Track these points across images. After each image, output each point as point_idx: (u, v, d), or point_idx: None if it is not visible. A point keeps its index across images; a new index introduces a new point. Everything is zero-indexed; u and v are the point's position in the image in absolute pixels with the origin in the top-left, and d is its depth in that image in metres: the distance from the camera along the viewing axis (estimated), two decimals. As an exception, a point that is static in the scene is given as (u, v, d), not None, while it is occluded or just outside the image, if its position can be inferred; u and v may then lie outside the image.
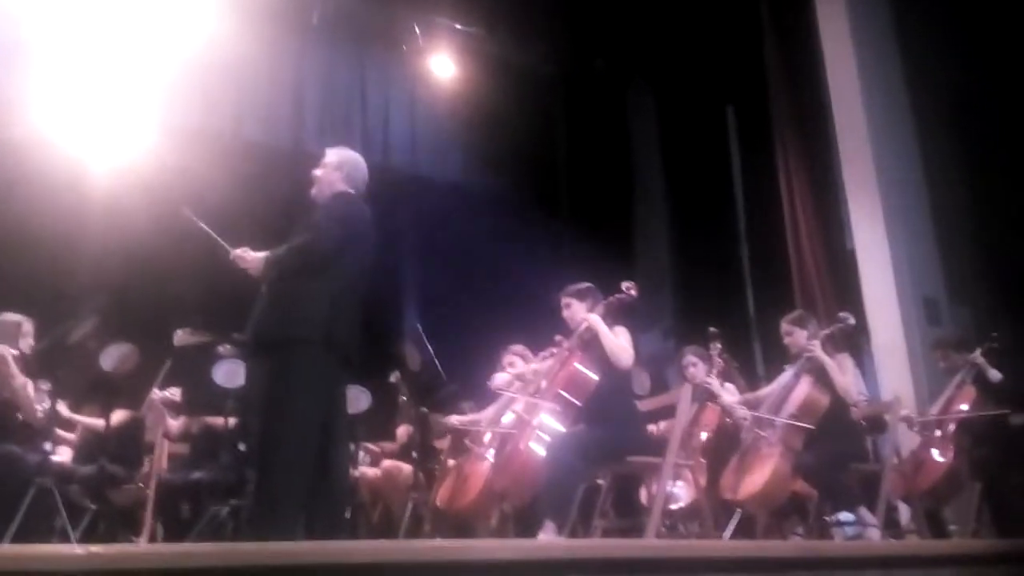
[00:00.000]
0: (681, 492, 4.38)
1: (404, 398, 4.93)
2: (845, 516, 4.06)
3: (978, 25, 5.59)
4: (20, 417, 3.89)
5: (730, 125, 7.47)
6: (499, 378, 4.28)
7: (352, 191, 3.38)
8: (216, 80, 6.47)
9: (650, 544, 3.10)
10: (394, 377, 5.01)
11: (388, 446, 5.05)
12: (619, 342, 3.70)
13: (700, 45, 6.99)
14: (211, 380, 4.13)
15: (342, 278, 3.16)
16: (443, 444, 4.86)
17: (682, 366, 4.71)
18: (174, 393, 4.46)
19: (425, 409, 4.68)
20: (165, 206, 5.74)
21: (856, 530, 3.88)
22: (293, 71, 7.02)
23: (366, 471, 4.91)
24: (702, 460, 4.29)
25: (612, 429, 3.66)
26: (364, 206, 3.35)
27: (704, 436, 4.48)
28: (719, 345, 4.63)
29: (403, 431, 4.94)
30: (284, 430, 2.97)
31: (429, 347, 4.36)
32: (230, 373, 4.17)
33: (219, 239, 3.32)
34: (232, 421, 4.19)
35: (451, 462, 4.55)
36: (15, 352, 3.87)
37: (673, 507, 4.31)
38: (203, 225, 3.38)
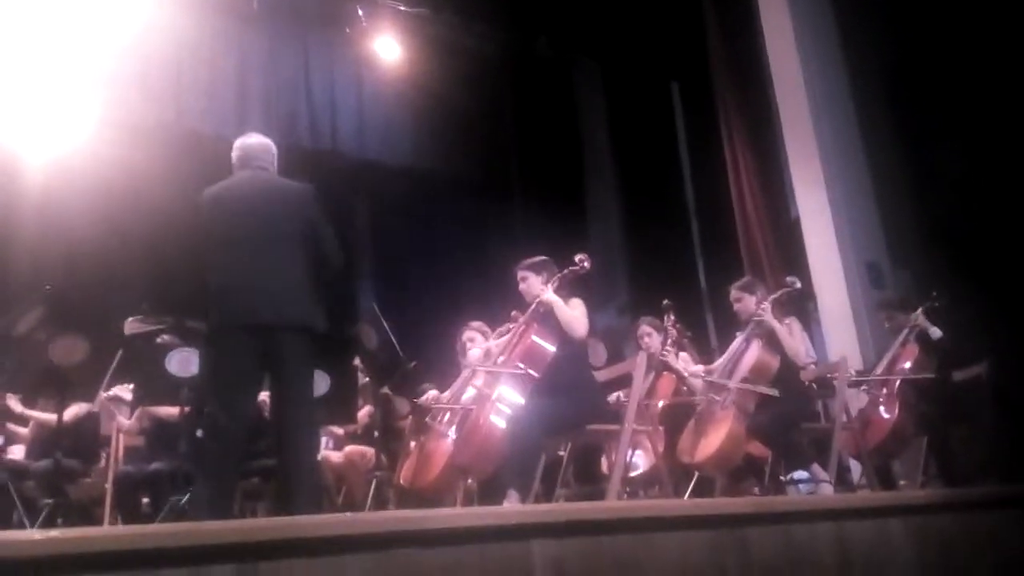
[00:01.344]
0: (640, 460, 4.47)
1: (365, 379, 4.91)
2: (799, 474, 4.20)
3: (912, -6, 5.76)
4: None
5: (675, 100, 7.57)
6: (472, 355, 4.31)
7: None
8: (156, 69, 6.33)
9: (612, 505, 3.17)
10: (354, 359, 4.99)
11: (350, 429, 5.04)
12: (573, 313, 3.75)
13: (643, 21, 7.06)
14: (164, 369, 4.06)
15: None
16: (405, 423, 4.87)
17: (637, 336, 4.79)
18: (124, 390, 4.39)
19: (386, 389, 4.68)
20: (107, 198, 5.67)
21: (810, 487, 4.01)
22: (235, 58, 6.89)
23: (329, 455, 4.90)
24: (659, 428, 4.37)
25: (571, 399, 3.71)
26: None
27: (660, 404, 4.58)
28: (672, 316, 4.72)
29: (364, 413, 4.93)
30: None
31: (386, 327, 4.35)
32: (183, 362, 4.11)
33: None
34: (187, 410, 4.15)
35: (413, 442, 4.56)
36: None
37: (633, 474, 4.40)
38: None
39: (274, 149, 3.60)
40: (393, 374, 4.61)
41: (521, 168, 7.88)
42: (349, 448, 4.90)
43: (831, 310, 5.75)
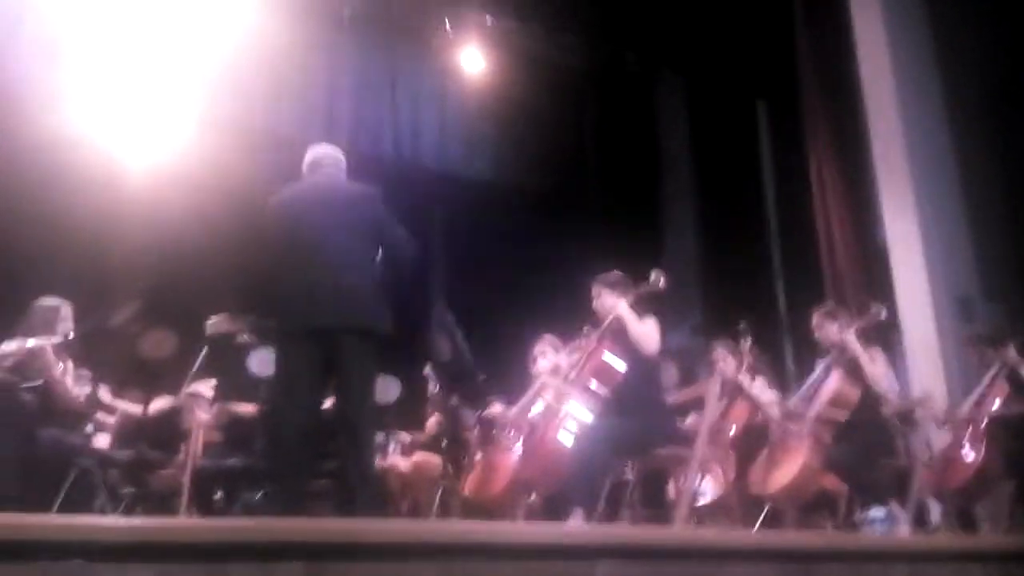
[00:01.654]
0: (709, 487, 4.37)
1: (435, 389, 4.97)
2: (875, 512, 4.04)
3: (1013, 14, 5.51)
4: (61, 402, 3.99)
5: (761, 119, 7.42)
6: (542, 365, 4.32)
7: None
8: (250, 75, 6.55)
9: (680, 532, 3.12)
10: (427, 368, 5.06)
11: (418, 436, 5.10)
12: (645, 329, 3.71)
13: (731, 38, 6.95)
14: (245, 368, 4.20)
15: None
16: (471, 434, 4.90)
17: (712, 360, 4.70)
18: (208, 386, 4.54)
19: (455, 400, 4.73)
20: (201, 196, 5.91)
21: (885, 526, 3.86)
22: (326, 66, 7.09)
23: (396, 461, 4.97)
24: (731, 454, 4.28)
25: (640, 420, 3.68)
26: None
27: (733, 430, 4.47)
28: (749, 340, 4.61)
29: (432, 422, 4.99)
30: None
31: (459, 338, 4.39)
32: (263, 361, 4.24)
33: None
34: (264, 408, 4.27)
35: (479, 453, 4.59)
36: (55, 340, 3.95)
37: (701, 502, 4.31)
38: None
39: (342, 156, 3.71)
40: (463, 385, 4.66)
41: (600, 183, 7.84)
42: (417, 456, 4.96)
43: (917, 342, 5.52)
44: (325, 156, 3.65)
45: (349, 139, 7.08)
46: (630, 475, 4.25)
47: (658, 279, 3.85)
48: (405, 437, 5.14)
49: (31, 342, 3.83)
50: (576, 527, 3.17)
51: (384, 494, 4.66)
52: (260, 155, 6.24)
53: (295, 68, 6.86)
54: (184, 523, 3.01)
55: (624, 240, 6.94)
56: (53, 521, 2.05)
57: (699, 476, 4.06)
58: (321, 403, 3.48)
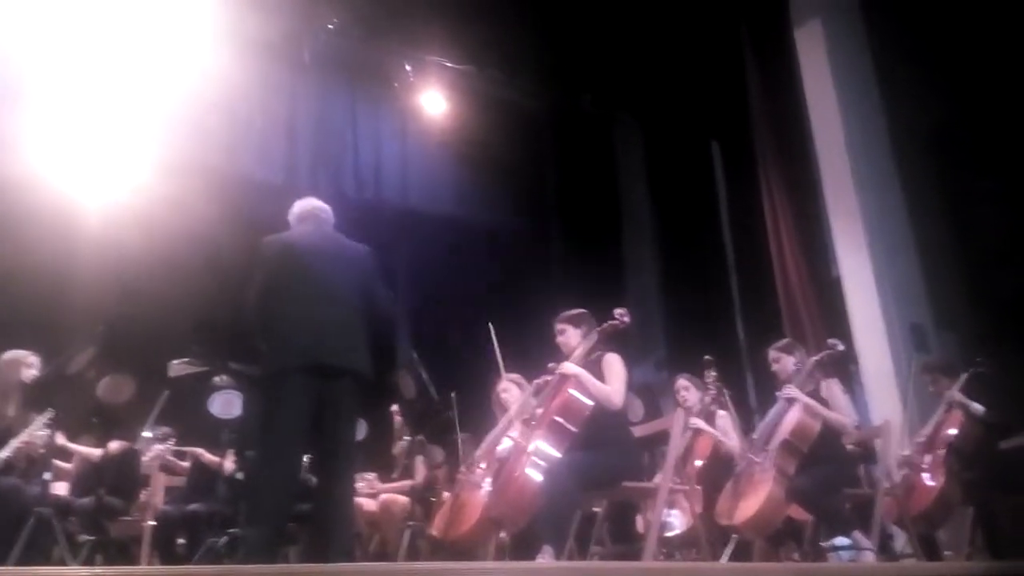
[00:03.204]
0: (676, 520, 4.39)
1: (401, 427, 4.94)
2: (840, 540, 4.10)
3: (954, 56, 5.78)
4: (19, 451, 3.88)
5: (715, 158, 7.62)
6: (506, 401, 4.33)
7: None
8: (209, 116, 6.54)
9: (648, 566, 3.13)
10: (393, 407, 5.04)
11: (385, 476, 5.04)
12: (605, 387, 3.73)
13: (683, 81, 7.16)
14: (207, 411, 4.14)
15: None
16: (439, 472, 4.87)
17: (675, 391, 4.76)
18: (166, 433, 4.47)
19: (422, 437, 4.70)
20: (159, 238, 5.85)
21: (852, 554, 3.91)
22: (286, 106, 7.11)
23: (363, 502, 4.91)
24: (697, 487, 4.31)
25: (607, 455, 3.69)
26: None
27: (698, 463, 4.52)
28: (713, 373, 4.69)
29: (399, 460, 4.95)
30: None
31: (424, 375, 4.39)
32: (226, 404, 4.19)
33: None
34: (229, 452, 4.21)
35: (446, 492, 4.56)
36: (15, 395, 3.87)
37: (669, 534, 4.33)
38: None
39: (330, 210, 3.79)
40: (429, 423, 4.64)
41: (561, 221, 7.96)
42: (384, 496, 4.91)
43: (874, 372, 5.66)
44: (314, 208, 3.74)
45: (309, 178, 7.11)
46: (598, 510, 4.25)
47: (623, 316, 3.90)
48: (372, 477, 5.09)
49: None
50: (547, 564, 3.16)
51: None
52: (220, 196, 6.21)
53: (255, 109, 6.87)
54: (146, 571, 2.94)
55: (586, 277, 7.03)
56: (10, 573, 1.99)
57: (666, 509, 4.08)
58: (304, 445, 3.47)
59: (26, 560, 3.52)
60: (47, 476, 3.87)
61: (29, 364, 4.03)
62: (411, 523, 4.46)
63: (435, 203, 7.76)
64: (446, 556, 4.22)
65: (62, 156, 5.99)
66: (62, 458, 4.39)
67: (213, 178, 6.49)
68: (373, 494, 5.06)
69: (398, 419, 4.94)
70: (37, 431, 3.89)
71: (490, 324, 4.43)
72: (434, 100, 7.32)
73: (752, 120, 6.81)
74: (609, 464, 3.68)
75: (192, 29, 6.20)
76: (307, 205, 3.75)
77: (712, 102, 7.21)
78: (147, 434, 4.40)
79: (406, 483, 4.93)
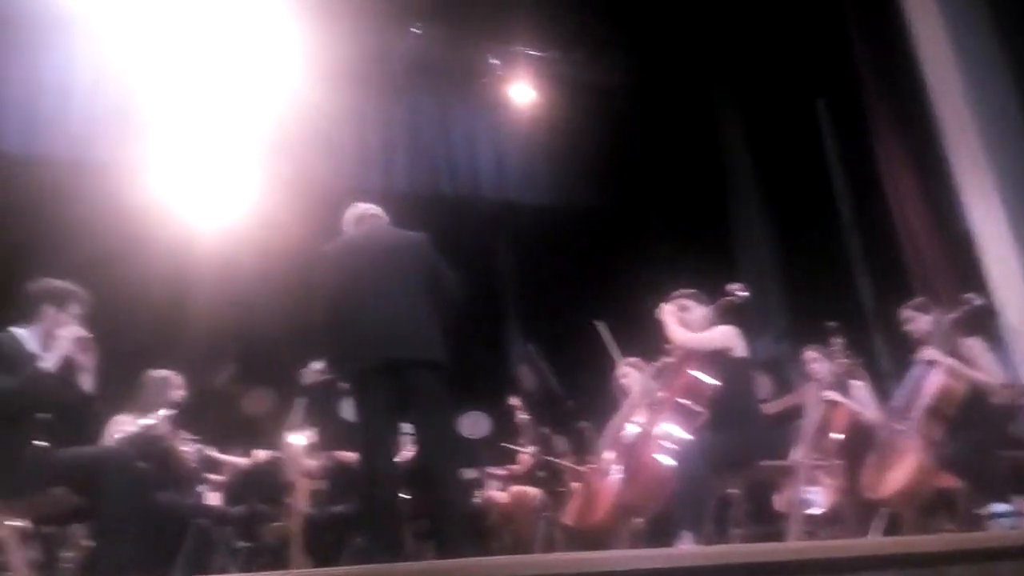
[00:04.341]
0: (818, 497, 4.25)
1: (523, 419, 4.98)
2: (999, 507, 3.86)
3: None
4: (175, 467, 4.14)
5: (822, 118, 7.28)
6: (627, 386, 4.31)
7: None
8: (307, 133, 6.73)
9: (795, 546, 3.04)
10: (512, 400, 5.09)
11: (513, 469, 5.10)
12: (709, 333, 3.71)
13: (780, 41, 6.87)
14: (338, 416, 4.30)
15: None
16: (567, 462, 4.89)
17: (804, 364, 4.60)
18: (308, 434, 4.66)
19: (545, 429, 4.73)
20: (271, 257, 6.11)
21: (1013, 521, 3.68)
22: (380, 115, 7.27)
23: (494, 495, 4.99)
24: (837, 462, 4.16)
25: (739, 434, 3.62)
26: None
27: (836, 437, 4.34)
28: (839, 341, 4.50)
29: (525, 453, 4.99)
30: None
31: (543, 366, 4.41)
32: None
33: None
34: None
35: (576, 481, 4.57)
36: (166, 410, 4.13)
37: (811, 512, 4.19)
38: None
39: (381, 210, 3.89)
40: (551, 413, 4.66)
41: (662, 200, 7.79)
42: (515, 488, 4.96)
43: (1018, 326, 5.28)
44: (367, 209, 3.85)
45: (407, 183, 7.26)
46: (734, 491, 4.16)
47: (738, 290, 3.82)
48: (500, 471, 5.15)
49: (147, 417, 4.01)
50: (688, 549, 3.12)
51: (485, 529, 4.68)
52: (324, 208, 6.41)
53: (350, 122, 7.06)
54: (298, 574, 3.09)
55: (695, 254, 6.86)
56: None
57: (806, 486, 3.95)
58: (397, 441, 3.56)
59: (189, 571, 3.76)
60: (201, 489, 4.12)
61: (177, 384, 4.29)
62: (544, 514, 4.49)
63: (532, 194, 7.77)
64: (580, 545, 4.24)
65: (179, 182, 6.35)
66: (213, 470, 4.66)
67: (315, 192, 6.72)
68: (504, 488, 5.13)
69: (520, 413, 4.98)
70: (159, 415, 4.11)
71: (595, 323, 4.38)
72: (523, 91, 7.34)
73: (858, 71, 6.45)
74: (742, 443, 3.61)
75: (286, 51, 6.44)
76: (358, 209, 3.86)
77: (813, 58, 6.88)
78: (291, 440, 4.60)
79: (523, 466, 4.97)
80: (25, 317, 3.22)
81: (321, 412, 4.30)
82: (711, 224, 7.66)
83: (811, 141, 7.20)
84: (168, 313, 5.94)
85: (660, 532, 3.91)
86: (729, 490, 4.12)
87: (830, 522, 4.20)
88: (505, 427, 4.77)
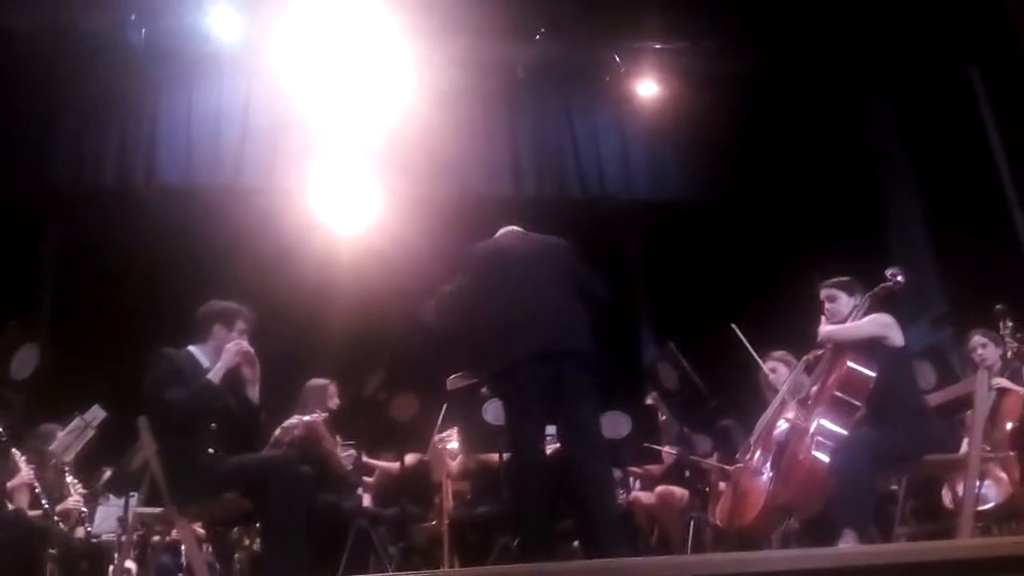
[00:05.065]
0: (991, 491, 3.94)
1: (664, 418, 4.89)
2: None
3: None
4: (334, 470, 4.38)
5: (976, 85, 6.73)
6: (775, 381, 4.16)
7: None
8: (439, 143, 6.91)
9: (970, 544, 2.82)
10: (652, 398, 5.02)
11: (656, 469, 5.02)
12: (866, 325, 3.53)
13: (926, 7, 6.41)
14: (482, 419, 4.38)
15: None
16: (712, 462, 4.77)
17: (969, 350, 4.27)
18: (451, 436, 4.78)
19: (687, 428, 4.62)
20: (408, 267, 6.34)
21: None
22: (505, 121, 7.36)
23: (639, 495, 4.93)
24: (1011, 453, 3.84)
25: (902, 428, 3.41)
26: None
27: (1010, 426, 4.01)
28: (1010, 323, 4.15)
29: (668, 453, 4.90)
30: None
31: (685, 364, 4.31)
32: (498, 410, 4.40)
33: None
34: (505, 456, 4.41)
35: (723, 480, 4.45)
36: (324, 414, 4.40)
37: (983, 507, 3.88)
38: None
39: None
40: (694, 412, 4.54)
41: (801, 187, 7.42)
42: (660, 488, 4.89)
43: None
44: (511, 229, 3.85)
45: (534, 186, 7.30)
46: (895, 488, 3.92)
47: (896, 276, 3.60)
48: (643, 471, 5.09)
49: (306, 418, 4.28)
50: (853, 548, 2.96)
51: (632, 528, 4.63)
52: (453, 216, 6.57)
53: (478, 130, 7.19)
54: (448, 573, 3.16)
55: (842, 241, 6.52)
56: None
57: (978, 480, 3.66)
58: (545, 438, 3.56)
59: (351, 570, 3.94)
60: (360, 491, 4.33)
61: (332, 393, 4.55)
62: (693, 514, 4.40)
63: (661, 191, 7.63)
64: (731, 546, 4.11)
65: (323, 201, 6.70)
66: (366, 474, 4.87)
67: (447, 203, 6.89)
68: (646, 487, 5.06)
69: (661, 412, 4.89)
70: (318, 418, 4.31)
71: (734, 326, 4.25)
72: (648, 87, 7.25)
73: (1016, 30, 5.92)
74: (906, 438, 3.40)
75: (411, 63, 6.65)
76: (503, 230, 3.86)
77: (962, 22, 6.38)
78: (437, 443, 4.74)
79: (666, 466, 4.89)
80: (198, 335, 3.50)
81: (465, 416, 4.40)
82: (858, 209, 7.24)
83: (965, 111, 6.68)
84: (314, 326, 6.29)
85: (817, 532, 3.74)
86: (891, 487, 3.89)
87: (1005, 517, 3.89)
88: (645, 427, 4.69)
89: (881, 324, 3.55)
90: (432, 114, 6.73)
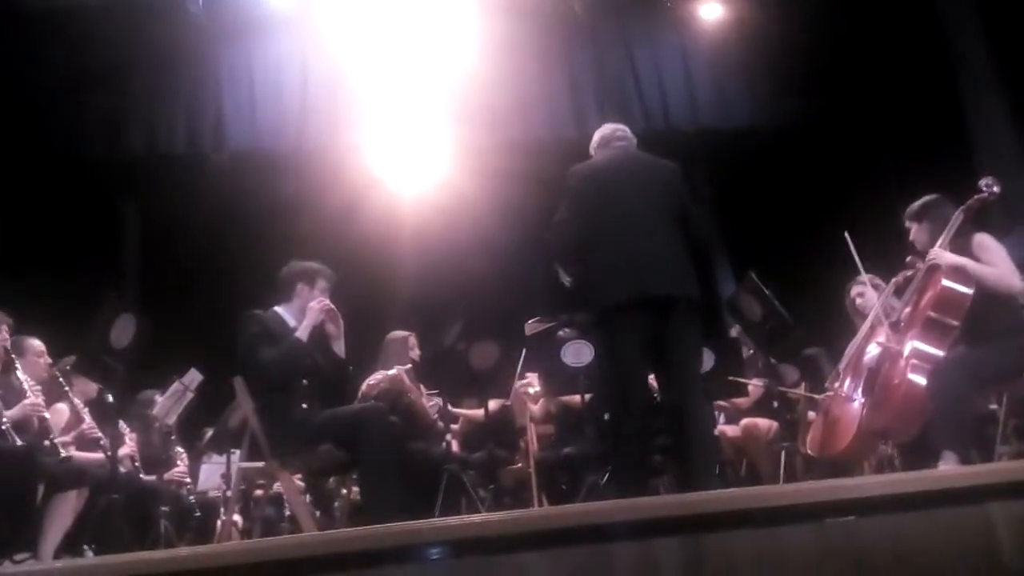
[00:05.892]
0: (1099, 407, 3.76)
1: (749, 351, 4.82)
2: None
3: None
4: (421, 419, 4.48)
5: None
6: (862, 305, 4.04)
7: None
8: (496, 92, 6.78)
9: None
10: (735, 331, 4.94)
11: (741, 402, 4.98)
12: (994, 270, 3.29)
13: None
14: (561, 362, 4.40)
15: None
16: (800, 391, 4.69)
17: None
18: (532, 380, 4.83)
19: (773, 359, 4.53)
20: (478, 217, 6.32)
21: None
22: (564, 61, 7.19)
23: (724, 429, 4.90)
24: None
25: (1001, 345, 3.28)
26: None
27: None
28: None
29: (754, 386, 4.84)
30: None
31: (768, 293, 4.19)
32: (577, 352, 4.42)
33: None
34: (587, 397, 4.44)
35: (812, 410, 4.38)
36: (407, 366, 4.50)
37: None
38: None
39: (629, 131, 3.64)
40: (778, 342, 4.45)
41: (878, 104, 7.06)
42: (745, 421, 4.85)
43: None
44: (615, 130, 3.60)
45: (597, 123, 7.06)
46: (995, 407, 3.78)
47: (991, 186, 3.40)
48: (730, 404, 5.05)
49: (390, 372, 4.38)
50: (955, 469, 2.88)
51: (720, 463, 4.62)
52: (519, 164, 6.51)
53: (537, 73, 7.05)
54: (548, 511, 3.21)
55: (924, 158, 6.21)
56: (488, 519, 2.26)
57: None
58: (647, 377, 3.47)
59: (445, 512, 4.05)
60: (448, 438, 4.43)
61: (412, 344, 4.63)
62: (784, 444, 4.35)
63: (728, 118, 7.37)
64: (825, 474, 4.06)
65: (385, 159, 6.73)
66: (452, 422, 4.97)
67: (512, 150, 6.81)
68: (731, 420, 5.03)
69: (745, 345, 4.82)
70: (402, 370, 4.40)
71: (846, 233, 4.01)
72: (711, 8, 6.97)
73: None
74: (1005, 356, 3.26)
75: (467, 11, 6.54)
76: (606, 130, 3.61)
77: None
78: (519, 388, 4.79)
79: (752, 398, 4.83)
80: (283, 296, 3.59)
81: (544, 359, 4.42)
82: (940, 121, 6.85)
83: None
84: (384, 280, 6.38)
85: (915, 456, 3.66)
86: (990, 407, 3.76)
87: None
88: (729, 360, 4.63)
89: (999, 254, 3.34)
90: (490, 62, 6.63)
